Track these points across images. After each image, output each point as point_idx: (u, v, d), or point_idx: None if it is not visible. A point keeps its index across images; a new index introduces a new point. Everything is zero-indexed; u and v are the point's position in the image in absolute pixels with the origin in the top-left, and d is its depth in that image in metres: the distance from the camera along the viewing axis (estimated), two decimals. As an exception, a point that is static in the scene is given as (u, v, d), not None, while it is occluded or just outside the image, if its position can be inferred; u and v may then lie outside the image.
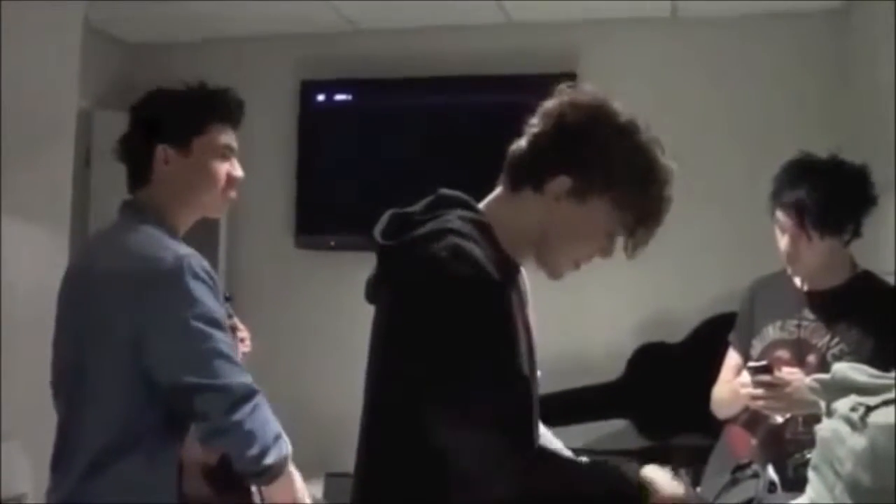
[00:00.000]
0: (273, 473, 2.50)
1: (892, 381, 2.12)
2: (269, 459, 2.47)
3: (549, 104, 2.04)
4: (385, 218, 2.03)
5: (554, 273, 2.09)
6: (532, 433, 2.03)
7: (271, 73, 5.64)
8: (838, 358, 3.00)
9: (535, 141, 2.03)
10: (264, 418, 2.49)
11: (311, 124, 5.55)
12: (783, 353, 3.18)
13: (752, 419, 3.19)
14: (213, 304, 2.50)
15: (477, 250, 1.88)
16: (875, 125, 3.98)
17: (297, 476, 2.64)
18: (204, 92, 2.74)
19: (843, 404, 2.15)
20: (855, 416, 2.07)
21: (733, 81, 5.07)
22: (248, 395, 2.47)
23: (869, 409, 2.06)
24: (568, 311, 5.05)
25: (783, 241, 3.13)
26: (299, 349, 5.33)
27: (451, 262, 1.85)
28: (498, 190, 2.09)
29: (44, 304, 3.57)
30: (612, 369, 4.94)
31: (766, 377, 3.01)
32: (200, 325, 2.45)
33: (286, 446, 2.54)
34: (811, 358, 3.11)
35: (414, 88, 5.38)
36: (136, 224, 2.61)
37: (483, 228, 1.98)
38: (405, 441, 1.91)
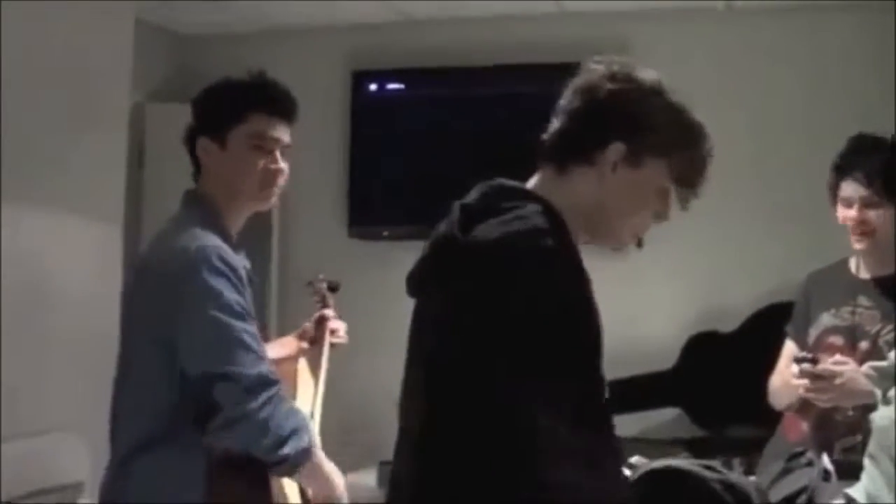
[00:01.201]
0: (291, 464, 2.48)
1: (949, 369, 2.11)
2: (286, 450, 2.44)
3: (581, 80, 2.03)
4: (456, 210, 1.97)
5: (617, 242, 2.10)
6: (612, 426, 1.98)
7: (323, 64, 5.66)
8: (891, 344, 3.01)
9: (577, 117, 2.01)
10: (281, 410, 2.46)
11: (363, 114, 5.56)
12: (836, 340, 3.17)
13: (804, 404, 3.18)
14: (231, 293, 2.48)
15: (557, 241, 1.86)
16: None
17: (330, 470, 2.63)
18: (246, 84, 2.72)
19: (900, 392, 2.14)
20: (912, 403, 2.05)
21: (787, 73, 5.02)
22: (261, 384, 2.44)
23: (926, 395, 2.05)
24: (622, 300, 5.03)
25: (851, 212, 3.12)
26: (352, 339, 5.34)
27: (537, 259, 1.83)
28: (540, 176, 2.05)
29: (97, 297, 3.60)
30: (665, 358, 4.92)
31: (809, 367, 3.00)
32: (219, 315, 2.44)
33: (307, 439, 2.51)
34: (864, 344, 3.11)
35: (466, 77, 5.38)
36: (184, 216, 2.64)
37: (554, 216, 1.94)
38: (476, 436, 1.83)
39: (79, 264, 4.15)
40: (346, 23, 5.58)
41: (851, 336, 3.15)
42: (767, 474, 3.06)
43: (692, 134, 2.01)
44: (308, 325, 3.16)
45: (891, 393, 2.17)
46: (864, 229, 3.12)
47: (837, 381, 2.95)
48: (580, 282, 1.87)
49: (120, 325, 2.72)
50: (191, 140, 2.70)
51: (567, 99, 2.04)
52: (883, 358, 2.80)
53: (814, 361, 3.01)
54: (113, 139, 4.50)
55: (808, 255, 3.44)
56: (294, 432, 2.47)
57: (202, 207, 2.65)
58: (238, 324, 2.47)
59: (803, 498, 2.79)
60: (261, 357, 2.50)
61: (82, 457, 3.93)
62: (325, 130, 5.55)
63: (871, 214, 3.09)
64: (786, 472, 2.96)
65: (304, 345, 3.10)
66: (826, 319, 3.22)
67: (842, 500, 2.34)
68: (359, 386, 4.95)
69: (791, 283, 3.46)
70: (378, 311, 5.32)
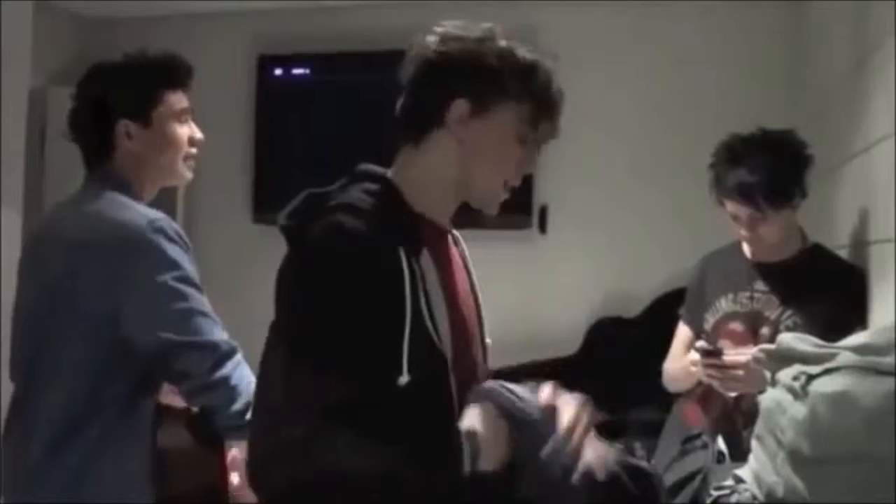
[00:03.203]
0: None
1: (835, 351, 2.16)
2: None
3: (413, 50, 2.06)
4: (299, 198, 2.02)
5: (491, 203, 2.09)
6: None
7: (229, 48, 5.62)
8: (792, 330, 3.01)
9: (415, 86, 2.05)
10: (247, 374, 2.51)
11: (269, 99, 5.53)
12: (736, 326, 3.21)
13: (705, 394, 3.22)
14: (188, 265, 2.53)
15: (364, 225, 1.87)
16: (826, 105, 4.02)
17: None
18: (154, 62, 2.74)
19: (785, 374, 2.17)
20: (796, 384, 2.09)
21: (695, 61, 5.04)
22: (231, 350, 2.51)
23: (810, 377, 2.08)
24: (527, 285, 5.08)
25: (741, 231, 3.16)
26: (257, 325, 5.31)
27: (326, 242, 1.87)
28: (400, 155, 2.09)
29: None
30: (570, 343, 4.97)
31: (715, 360, 3.04)
32: (179, 286, 2.48)
33: None
34: (765, 330, 3.14)
35: (372, 63, 5.35)
36: (101, 191, 2.61)
37: (387, 197, 1.98)
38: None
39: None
40: (253, 7, 5.54)
41: (752, 322, 3.19)
42: (665, 457, 3.13)
43: (529, 71, 2.03)
44: None
45: (778, 375, 2.22)
46: (757, 242, 3.19)
47: (741, 371, 2.99)
48: (364, 266, 1.87)
49: (17, 311, 2.67)
50: (97, 125, 2.68)
51: (404, 72, 2.06)
52: None
53: (718, 354, 3.05)
54: (11, 123, 4.41)
55: (714, 241, 3.47)
56: None
57: (116, 184, 2.64)
58: (196, 293, 2.52)
59: (697, 479, 2.86)
60: (220, 325, 2.56)
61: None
62: (231, 115, 5.52)
63: (761, 230, 3.13)
64: (682, 454, 3.02)
65: None
66: (724, 305, 3.26)
67: (730, 481, 2.39)
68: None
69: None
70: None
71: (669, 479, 2.86)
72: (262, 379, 1.97)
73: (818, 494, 2.03)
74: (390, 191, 2.01)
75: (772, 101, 4.57)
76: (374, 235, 1.87)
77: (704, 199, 3.33)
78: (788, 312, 3.14)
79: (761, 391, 2.34)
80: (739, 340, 3.18)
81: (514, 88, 2.02)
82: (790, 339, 2.28)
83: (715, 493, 2.41)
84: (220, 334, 2.52)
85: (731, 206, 3.14)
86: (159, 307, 2.47)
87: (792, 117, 3.31)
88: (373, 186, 2.00)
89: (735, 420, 3.12)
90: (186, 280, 2.50)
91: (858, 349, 2.14)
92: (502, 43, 2.04)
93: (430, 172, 2.04)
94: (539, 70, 2.04)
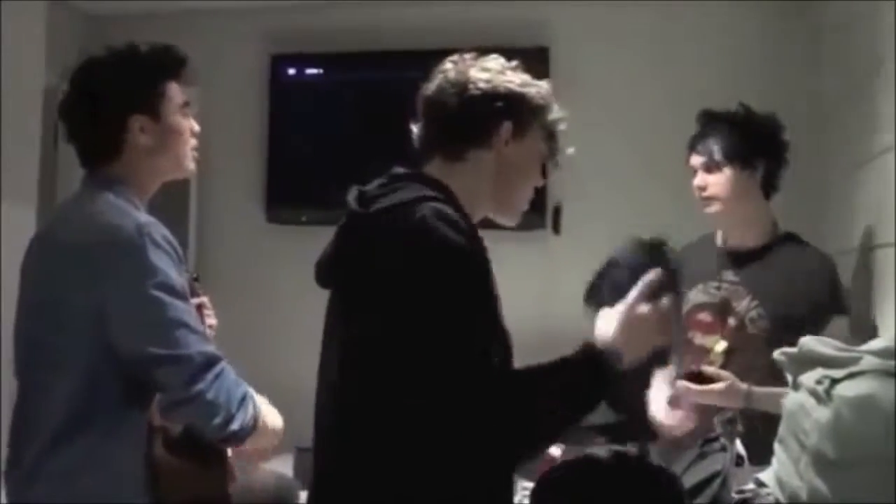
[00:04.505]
0: (241, 437, 2.49)
1: (858, 355, 2.15)
2: (235, 425, 2.45)
3: (450, 75, 2.26)
4: (354, 191, 2.13)
5: (516, 215, 2.35)
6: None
7: (241, 46, 5.59)
8: (755, 322, 3.16)
9: (464, 108, 2.22)
10: (227, 385, 2.46)
11: (282, 98, 5.51)
12: (705, 316, 3.29)
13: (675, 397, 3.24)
14: (173, 272, 2.47)
15: (454, 213, 2.01)
16: (841, 107, 4.00)
17: (271, 422, 2.64)
18: (153, 54, 2.73)
19: (808, 377, 2.17)
20: (820, 388, 2.09)
21: (706, 58, 5.04)
22: (208, 363, 2.44)
23: (834, 381, 2.08)
24: (540, 287, 5.06)
25: (695, 180, 3.30)
26: (269, 324, 5.32)
27: (437, 225, 1.96)
28: (431, 166, 2.23)
29: (8, 282, 3.49)
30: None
31: (691, 386, 3.07)
32: (160, 295, 2.42)
33: (253, 405, 2.51)
34: (732, 321, 3.22)
35: (385, 62, 5.34)
36: (98, 193, 2.59)
37: (448, 195, 2.10)
38: (392, 411, 2.00)
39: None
40: (266, 6, 5.53)
41: (720, 312, 3.26)
42: (682, 460, 3.12)
43: (548, 97, 2.29)
44: None
45: (800, 378, 2.21)
46: (703, 194, 3.28)
47: (710, 398, 3.04)
48: (472, 250, 2.02)
49: (18, 311, 2.65)
50: (108, 121, 2.66)
51: (440, 94, 2.25)
52: (748, 334, 3.08)
53: (697, 376, 3.07)
54: (27, 121, 4.42)
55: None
56: (241, 404, 2.48)
57: (115, 184, 2.62)
58: (178, 303, 2.45)
59: (716, 482, 2.85)
60: (204, 336, 2.51)
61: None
62: (244, 114, 5.50)
63: (710, 179, 3.25)
64: (700, 457, 3.01)
65: None
66: (694, 296, 3.32)
67: (752, 485, 2.38)
68: (274, 371, 4.92)
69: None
70: (294, 296, 5.30)
71: (688, 481, 2.85)
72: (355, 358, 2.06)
73: (842, 498, 2.03)
74: (451, 194, 2.13)
75: (782, 100, 4.55)
76: (469, 226, 2.05)
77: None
78: (755, 303, 3.20)
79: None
80: (708, 330, 3.28)
81: (542, 114, 2.27)
82: (812, 343, 2.27)
83: (737, 497, 2.40)
84: (196, 346, 2.44)
85: (692, 159, 3.31)
86: (137, 316, 2.44)
87: (806, 118, 3.31)
88: (433, 185, 2.12)
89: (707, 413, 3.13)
90: (166, 287, 2.44)
91: (881, 353, 2.13)
92: (521, 73, 2.28)
93: (469, 184, 2.19)
94: (551, 97, 2.30)
